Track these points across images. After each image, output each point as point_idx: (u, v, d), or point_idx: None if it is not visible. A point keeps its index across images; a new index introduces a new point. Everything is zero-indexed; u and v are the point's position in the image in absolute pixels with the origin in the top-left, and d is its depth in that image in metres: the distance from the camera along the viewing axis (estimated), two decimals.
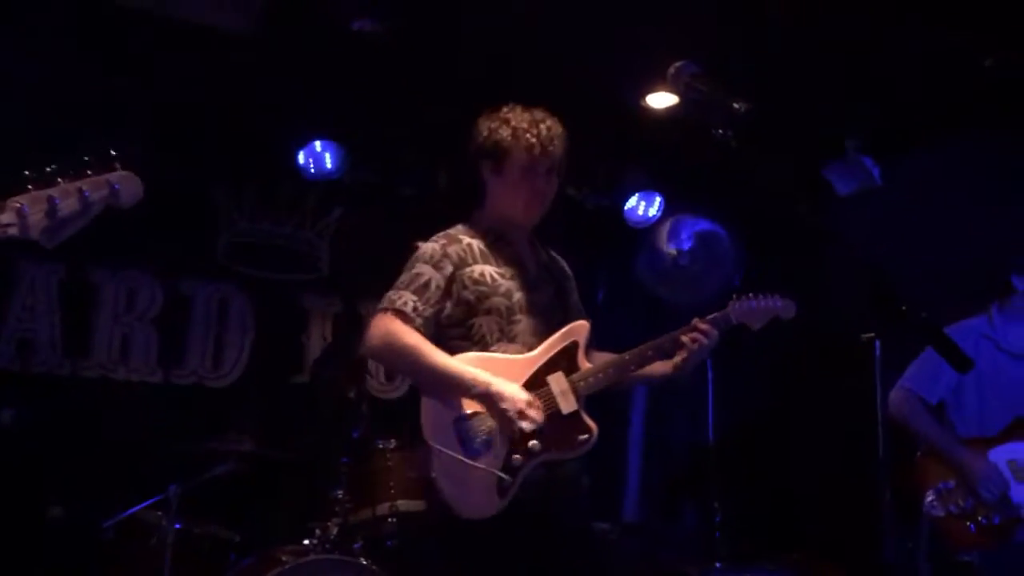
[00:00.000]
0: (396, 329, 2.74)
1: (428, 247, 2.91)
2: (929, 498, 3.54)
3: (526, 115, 2.93)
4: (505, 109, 2.97)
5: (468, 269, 2.83)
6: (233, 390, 5.81)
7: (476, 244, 2.91)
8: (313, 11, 4.53)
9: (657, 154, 6.00)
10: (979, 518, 3.43)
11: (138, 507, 4.23)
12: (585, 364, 2.81)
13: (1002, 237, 4.55)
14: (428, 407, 2.76)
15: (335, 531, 4.33)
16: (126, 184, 2.04)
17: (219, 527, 4.31)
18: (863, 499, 1.79)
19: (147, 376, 5.66)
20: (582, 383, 2.76)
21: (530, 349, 2.81)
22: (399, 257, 6.63)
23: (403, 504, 4.39)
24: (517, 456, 2.66)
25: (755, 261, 5.79)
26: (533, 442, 2.67)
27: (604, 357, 2.92)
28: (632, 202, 6.25)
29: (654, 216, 6.25)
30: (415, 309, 2.76)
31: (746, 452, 5.82)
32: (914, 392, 3.65)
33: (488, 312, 2.80)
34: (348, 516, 4.38)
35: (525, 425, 2.63)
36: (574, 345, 2.81)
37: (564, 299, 3.01)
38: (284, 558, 4.04)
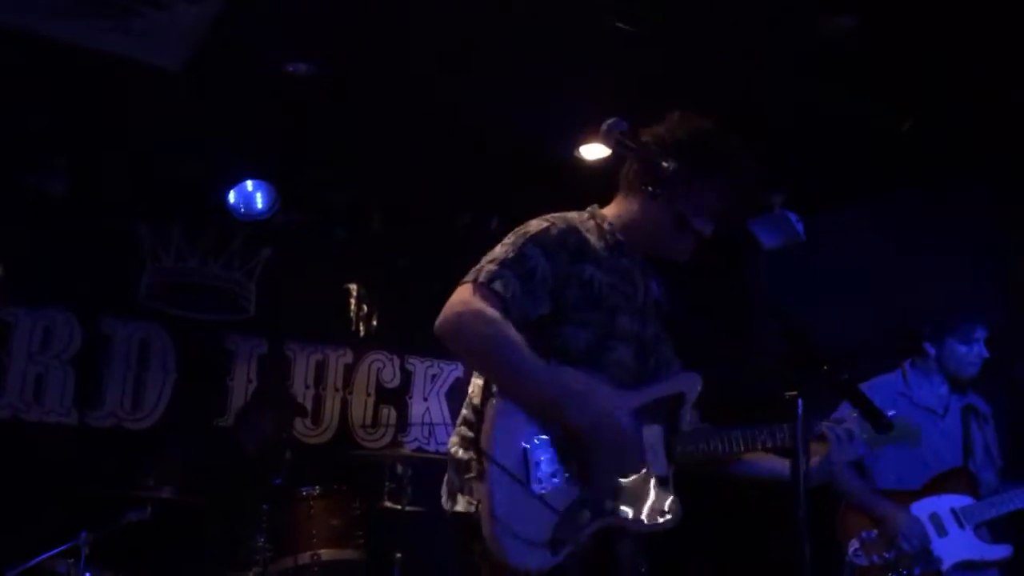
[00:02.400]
0: (482, 311, 2.17)
1: (538, 225, 2.33)
2: (853, 547, 3.60)
3: (753, 163, 2.42)
4: (733, 133, 2.42)
5: (581, 267, 2.29)
6: (153, 433, 5.66)
7: (593, 241, 2.37)
8: (246, 51, 4.50)
9: (589, 203, 6.07)
10: (901, 570, 3.49)
11: (45, 555, 4.06)
12: (686, 427, 2.32)
13: (917, 293, 4.72)
14: (499, 418, 2.14)
15: None
16: None
17: None
18: (784, 555, 1.81)
19: (62, 417, 5.48)
20: (680, 448, 2.26)
21: (619, 384, 2.27)
22: (328, 299, 6.65)
23: (326, 553, 4.31)
24: (586, 511, 2.11)
25: (684, 315, 5.89)
26: (608, 499, 2.14)
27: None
28: None
29: None
30: (514, 296, 2.19)
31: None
32: None
33: (583, 324, 2.27)
34: (268, 565, 4.28)
35: (620, 471, 2.14)
36: (680, 399, 2.31)
37: (666, 341, 2.50)
38: None
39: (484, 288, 2.21)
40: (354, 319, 6.47)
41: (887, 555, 3.53)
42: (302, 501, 4.39)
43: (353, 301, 6.49)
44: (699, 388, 2.34)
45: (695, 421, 2.41)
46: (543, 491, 2.09)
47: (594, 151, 5.36)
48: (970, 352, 3.71)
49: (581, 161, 5.47)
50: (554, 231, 2.32)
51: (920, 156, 4.91)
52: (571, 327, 2.26)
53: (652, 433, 2.24)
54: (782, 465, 2.34)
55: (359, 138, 5.31)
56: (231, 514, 4.57)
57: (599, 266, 2.32)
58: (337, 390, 6.32)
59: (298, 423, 5.98)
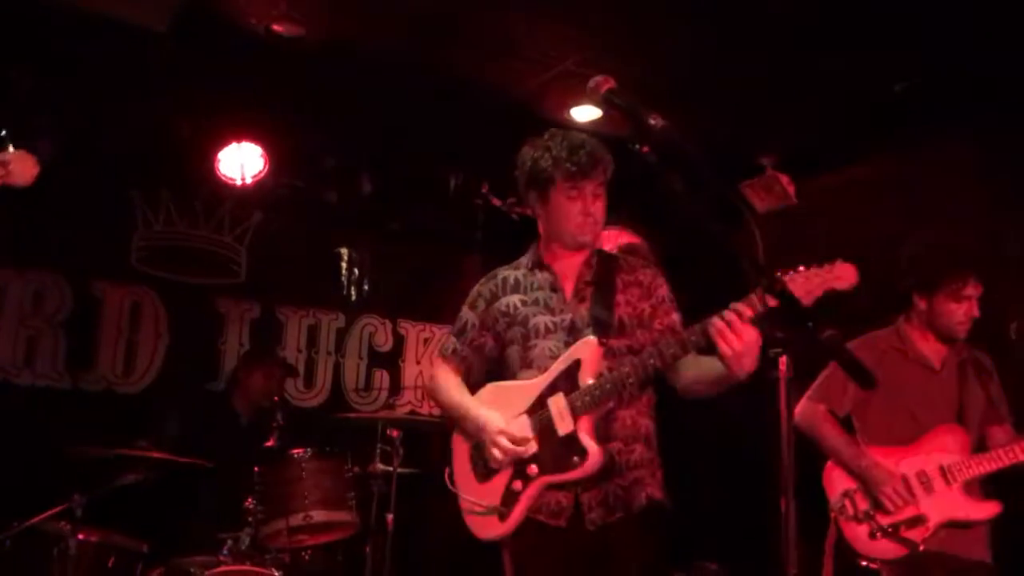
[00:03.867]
0: (436, 372, 3.06)
1: (472, 290, 3.08)
2: (836, 501, 3.57)
3: (566, 141, 2.87)
4: (546, 136, 2.94)
5: (498, 303, 2.95)
6: (145, 396, 5.66)
7: (514, 275, 3.00)
8: (233, 12, 4.45)
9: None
10: (885, 526, 3.46)
11: (38, 517, 4.07)
12: (587, 382, 2.70)
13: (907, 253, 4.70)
14: (455, 438, 2.96)
15: (247, 541, 4.25)
16: (18, 163, 1.94)
17: (125, 537, 4.17)
18: (768, 511, 1.82)
19: (53, 381, 5.48)
20: (578, 402, 2.68)
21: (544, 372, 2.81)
22: (320, 263, 6.65)
23: (318, 515, 4.32)
24: (517, 482, 2.74)
25: (675, 275, 5.89)
26: (532, 467, 2.72)
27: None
28: None
29: None
30: (454, 351, 3.02)
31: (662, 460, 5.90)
32: (822, 404, 3.67)
33: (512, 342, 2.91)
34: (260, 526, 4.29)
35: (496, 453, 2.73)
36: (576, 364, 2.72)
37: (600, 313, 2.84)
38: (193, 569, 3.95)
39: (440, 357, 3.08)
40: (346, 283, 6.46)
41: (870, 511, 3.49)
42: (294, 463, 4.39)
43: (344, 265, 6.48)
44: (592, 346, 2.72)
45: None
46: (485, 479, 2.80)
47: (585, 113, 5.34)
48: (959, 311, 3.55)
49: (572, 123, 5.44)
50: (474, 291, 3.05)
51: (909, 117, 4.90)
52: (508, 347, 2.92)
53: (557, 401, 2.71)
54: (710, 362, 2.62)
55: (348, 100, 5.27)
56: (223, 476, 4.59)
57: (516, 291, 2.94)
58: (329, 354, 6.33)
59: (290, 386, 6.00)
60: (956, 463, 3.50)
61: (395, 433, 4.80)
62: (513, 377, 2.90)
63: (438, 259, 6.65)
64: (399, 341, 6.60)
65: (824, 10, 4.20)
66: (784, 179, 5.75)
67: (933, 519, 3.46)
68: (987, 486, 3.54)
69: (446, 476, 2.92)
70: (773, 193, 5.80)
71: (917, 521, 3.45)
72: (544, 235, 2.98)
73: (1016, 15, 4.06)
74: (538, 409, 2.75)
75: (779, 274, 2.41)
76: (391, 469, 4.78)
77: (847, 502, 3.55)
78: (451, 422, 2.99)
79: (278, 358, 5.74)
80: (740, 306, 2.43)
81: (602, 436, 2.72)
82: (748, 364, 2.48)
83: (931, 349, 3.69)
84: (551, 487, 2.72)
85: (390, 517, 4.75)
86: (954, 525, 3.49)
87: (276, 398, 5.00)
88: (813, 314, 1.79)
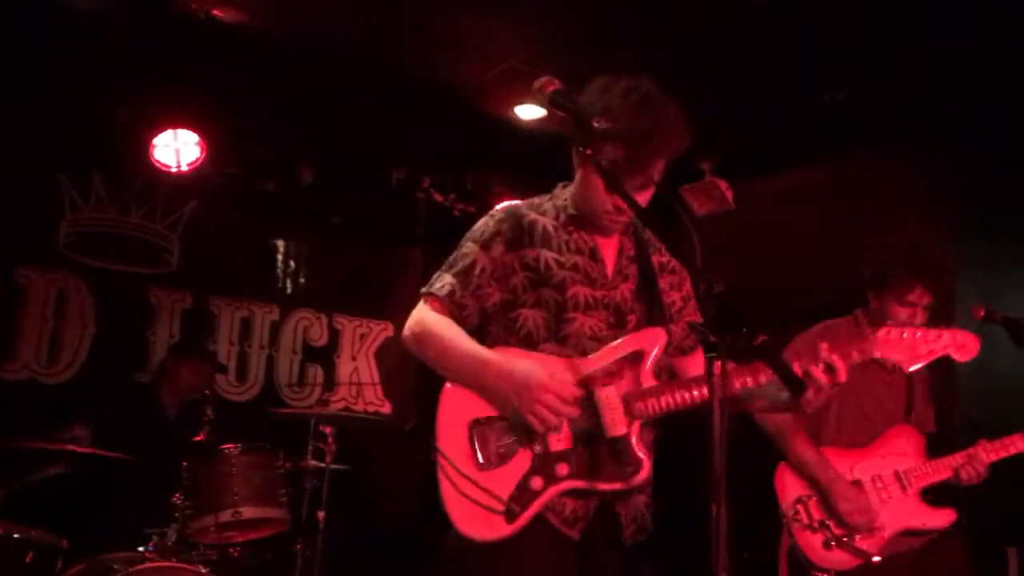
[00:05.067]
0: (426, 317, 2.41)
1: (482, 222, 2.49)
2: (789, 508, 3.50)
3: (667, 105, 2.35)
4: (642, 86, 2.37)
5: (523, 252, 2.40)
6: (69, 387, 5.50)
7: (544, 222, 2.45)
8: None
9: (524, 164, 6.06)
10: (840, 536, 3.38)
11: None
12: (651, 381, 2.30)
13: (847, 257, 4.79)
14: (445, 402, 2.34)
15: (173, 537, 4.16)
16: None
17: (44, 532, 4.05)
18: (702, 515, 1.83)
19: None
20: (640, 403, 2.25)
21: (584, 354, 2.33)
22: (255, 254, 6.53)
23: (247, 510, 4.25)
24: (537, 479, 2.23)
25: None
26: (562, 465, 2.23)
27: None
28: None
29: None
30: (452, 295, 2.40)
31: None
32: None
33: (536, 305, 2.38)
34: (188, 522, 4.21)
35: (542, 416, 2.19)
36: (639, 355, 2.31)
37: (649, 301, 2.45)
38: (116, 566, 3.84)
39: (430, 297, 2.43)
40: (281, 275, 6.37)
41: (825, 519, 3.41)
42: (223, 458, 4.31)
43: (280, 257, 6.38)
44: (662, 341, 2.33)
45: (664, 375, 2.43)
46: (491, 466, 2.24)
47: (529, 111, 5.34)
48: (902, 314, 3.48)
49: (517, 120, 5.44)
50: (491, 224, 2.46)
51: (847, 124, 5.00)
52: (525, 309, 2.38)
53: (607, 394, 2.25)
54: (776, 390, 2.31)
55: (290, 89, 5.19)
56: (148, 470, 4.48)
57: (548, 245, 2.41)
58: (263, 347, 6.23)
59: (222, 380, 5.88)
60: (912, 468, 3.46)
61: (328, 429, 4.75)
62: (529, 347, 2.37)
63: (377, 253, 6.60)
64: (334, 336, 6.52)
65: (764, 19, 4.26)
66: (722, 184, 5.83)
67: (889, 528, 3.40)
68: (939, 492, 3.51)
69: (441, 454, 2.27)
70: (711, 198, 5.87)
71: (873, 531, 3.39)
72: (577, 188, 2.48)
73: (948, 28, 4.16)
74: (581, 399, 2.26)
75: (884, 331, 2.30)
76: (324, 466, 4.73)
77: (800, 508, 3.47)
78: (456, 377, 2.34)
79: (208, 353, 5.62)
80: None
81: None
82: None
83: None
84: (574, 492, 2.27)
85: (322, 514, 4.71)
86: (910, 535, 3.45)
87: (206, 392, 4.92)
88: (747, 319, 1.80)
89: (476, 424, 2.28)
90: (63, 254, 5.59)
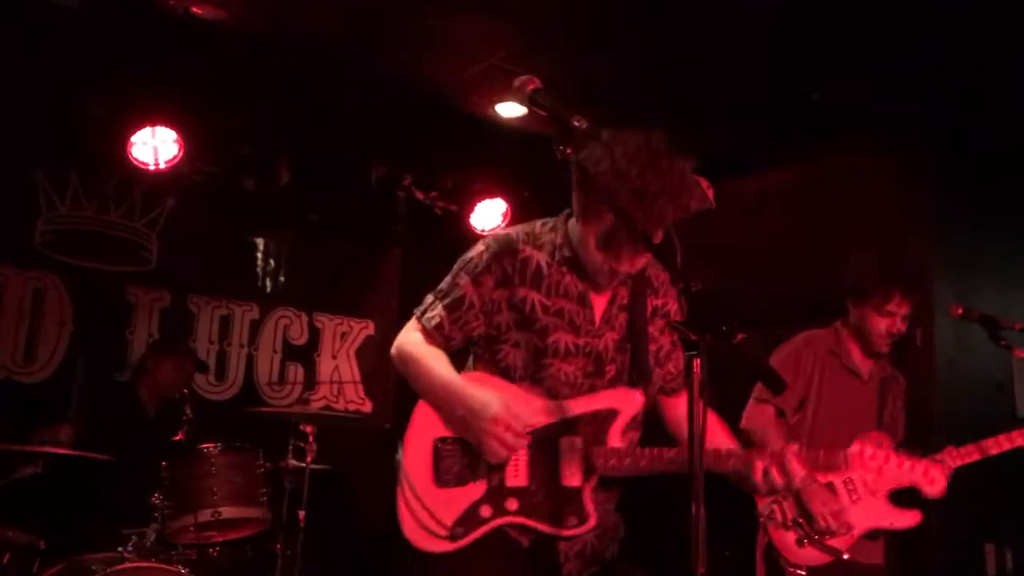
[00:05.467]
0: (412, 340, 2.50)
1: (477, 251, 2.48)
2: (765, 508, 3.61)
3: (667, 165, 2.28)
4: (639, 156, 2.27)
5: (512, 293, 2.41)
6: (47, 386, 5.46)
7: (537, 259, 2.43)
8: None
9: (505, 163, 6.06)
10: (813, 534, 3.48)
11: None
12: (616, 441, 2.33)
13: (828, 257, 4.82)
14: (417, 415, 2.45)
15: (152, 537, 4.14)
16: None
17: (21, 533, 4.01)
18: (682, 516, 1.85)
19: None
20: (600, 460, 2.30)
21: (556, 398, 2.39)
22: (235, 253, 6.48)
23: (227, 510, 4.23)
24: (487, 507, 2.31)
25: None
26: (512, 501, 2.30)
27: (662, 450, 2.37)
28: (479, 209, 6.28)
29: (498, 224, 6.30)
30: (440, 328, 2.46)
31: None
32: (769, 407, 3.72)
33: (517, 345, 2.42)
34: (167, 522, 4.18)
35: (494, 447, 2.26)
36: (611, 414, 2.34)
37: (634, 351, 2.46)
38: (94, 567, 3.82)
39: (419, 322, 2.50)
40: (261, 274, 6.34)
41: (798, 518, 3.52)
42: (203, 458, 4.29)
43: (260, 255, 6.35)
44: (638, 405, 2.38)
45: (633, 436, 2.45)
46: (447, 484, 2.34)
47: (510, 109, 5.33)
48: (882, 324, 3.65)
49: (498, 119, 5.44)
50: (485, 257, 2.45)
51: (824, 124, 5.02)
52: (508, 346, 2.43)
53: (571, 444, 2.31)
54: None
55: (269, 87, 5.16)
56: (127, 470, 4.45)
57: (537, 286, 2.41)
58: (242, 346, 6.20)
59: (201, 379, 5.85)
60: None
61: (309, 429, 4.73)
62: (507, 379, 2.44)
63: (357, 252, 6.58)
64: (315, 334, 6.50)
65: (745, 16, 4.27)
66: (703, 182, 5.83)
67: (858, 527, 3.54)
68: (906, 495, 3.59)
69: (402, 473, 2.38)
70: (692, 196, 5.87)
71: (843, 530, 3.48)
72: (579, 238, 2.40)
73: (924, 29, 4.20)
74: (546, 441, 2.33)
75: (858, 449, 2.25)
76: (304, 465, 4.72)
77: (776, 508, 3.58)
78: (429, 399, 2.45)
79: (189, 350, 5.59)
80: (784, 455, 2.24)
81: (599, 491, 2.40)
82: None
83: (860, 360, 3.80)
84: (526, 530, 2.33)
85: (302, 514, 4.69)
86: (876, 533, 3.60)
87: (185, 391, 4.89)
88: (726, 318, 1.81)
89: (441, 442, 2.38)
90: (40, 252, 5.54)
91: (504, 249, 2.44)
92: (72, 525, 4.39)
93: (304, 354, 6.45)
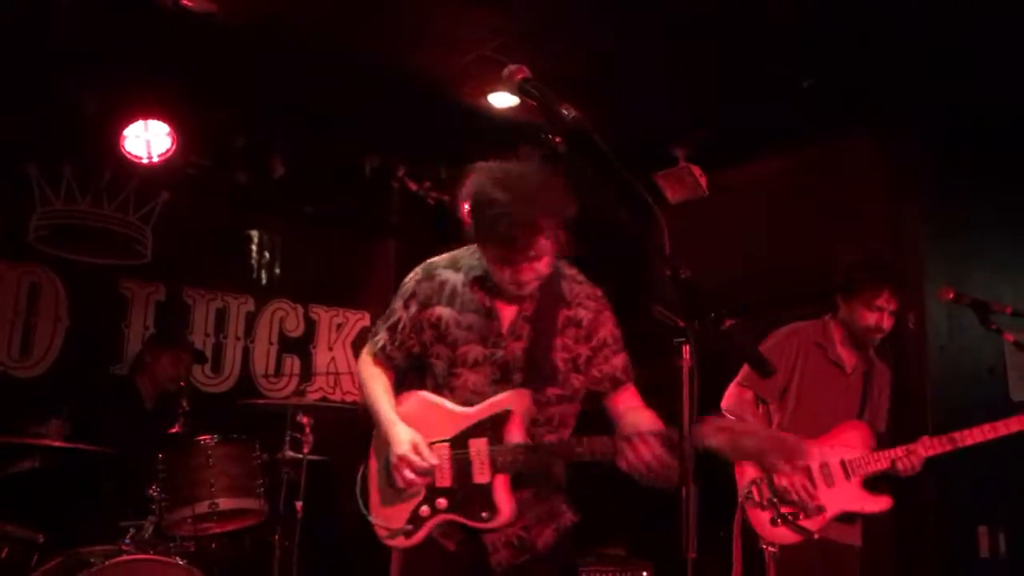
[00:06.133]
0: (363, 362, 2.90)
1: (409, 278, 2.85)
2: (744, 488, 3.71)
3: (495, 205, 2.48)
4: (494, 176, 2.56)
5: (429, 311, 2.73)
6: (43, 380, 5.46)
7: (454, 280, 2.74)
8: None
9: (498, 153, 6.06)
10: (786, 514, 3.62)
11: None
12: (516, 437, 2.59)
13: (819, 244, 4.84)
14: (374, 439, 2.82)
15: (150, 530, 4.16)
16: None
17: (19, 527, 4.03)
18: (671, 497, 1.87)
19: None
20: (499, 459, 2.58)
21: (467, 405, 2.66)
22: (229, 245, 6.49)
23: (224, 502, 4.25)
24: (425, 508, 2.65)
25: (590, 264, 5.94)
26: (442, 500, 2.63)
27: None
28: None
29: None
30: (383, 349, 2.83)
31: None
32: (749, 391, 3.80)
33: (437, 358, 2.73)
34: (164, 514, 4.20)
35: (397, 478, 2.61)
36: (506, 415, 2.60)
37: (534, 361, 2.66)
38: (92, 559, 3.84)
39: (370, 355, 2.89)
40: (256, 266, 6.34)
41: (772, 497, 3.65)
42: (200, 450, 4.31)
43: (255, 248, 6.35)
44: (526, 405, 2.61)
45: (544, 432, 2.68)
46: (401, 492, 2.67)
47: (503, 99, 5.34)
48: (870, 318, 3.69)
49: (490, 109, 5.44)
50: (411, 284, 2.82)
51: (815, 110, 5.03)
52: (432, 359, 2.75)
53: (478, 447, 2.60)
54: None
55: (260, 79, 5.16)
56: (125, 463, 4.46)
57: (451, 304, 2.72)
58: (238, 338, 6.21)
59: (197, 371, 5.86)
60: (857, 459, 3.68)
61: (305, 420, 4.75)
62: (435, 390, 2.75)
63: (352, 243, 6.58)
64: (311, 326, 6.51)
65: (739, 5, 4.28)
66: (696, 170, 5.85)
67: (830, 510, 3.63)
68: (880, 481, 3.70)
69: (359, 486, 2.79)
70: (685, 184, 5.90)
71: (815, 510, 3.62)
72: (481, 251, 2.70)
73: (916, 16, 4.20)
74: (459, 445, 2.63)
75: (704, 426, 2.31)
76: (301, 456, 4.74)
77: (754, 489, 3.69)
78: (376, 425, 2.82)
79: (188, 343, 5.60)
80: (654, 442, 2.39)
81: (518, 485, 2.63)
82: (664, 483, 2.42)
83: (846, 353, 3.85)
84: (456, 526, 2.65)
85: (299, 504, 4.71)
86: (847, 516, 3.68)
87: (182, 383, 4.90)
88: (715, 304, 1.83)
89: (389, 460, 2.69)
90: (34, 247, 5.54)
91: (425, 275, 2.79)
92: (70, 518, 4.40)
93: (300, 346, 6.46)
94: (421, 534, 2.64)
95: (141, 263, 5.87)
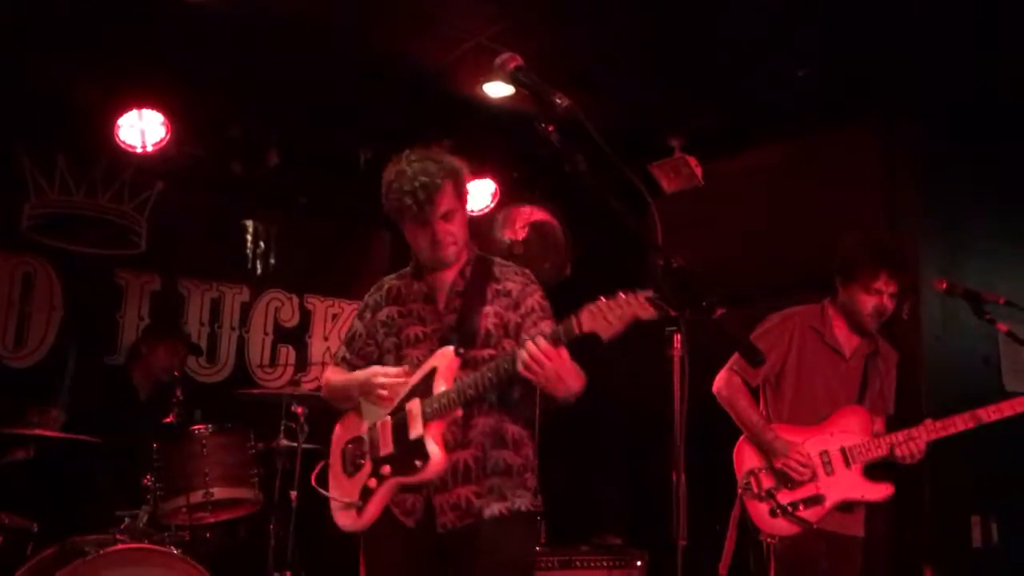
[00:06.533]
0: (327, 375, 3.16)
1: (364, 298, 3.18)
2: (742, 479, 3.67)
3: (404, 176, 2.89)
4: (401, 161, 2.97)
5: (379, 314, 3.06)
6: (37, 370, 5.46)
7: (397, 286, 3.07)
8: None
9: (493, 143, 6.06)
10: (785, 505, 3.57)
11: None
12: (442, 387, 2.79)
13: (815, 234, 4.84)
14: (336, 428, 3.08)
15: (145, 519, 4.17)
16: None
17: (13, 516, 4.03)
18: (664, 486, 1.87)
19: None
20: (428, 408, 2.77)
21: None
22: (224, 236, 6.48)
23: (218, 491, 4.26)
24: (372, 479, 2.85)
25: (586, 252, 5.95)
26: (385, 466, 2.83)
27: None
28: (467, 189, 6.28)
29: (488, 204, 6.30)
30: (345, 359, 3.13)
31: (565, 440, 5.98)
32: (738, 376, 3.76)
33: (388, 351, 3.00)
34: (159, 504, 4.21)
35: (380, 392, 2.83)
36: (432, 372, 2.81)
37: (467, 324, 2.92)
38: (87, 548, 3.84)
39: (332, 365, 3.19)
40: (251, 256, 6.33)
41: (771, 487, 3.61)
42: (195, 439, 4.32)
43: (249, 238, 6.34)
44: (449, 359, 2.81)
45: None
46: (351, 473, 2.93)
47: (498, 89, 5.32)
48: (869, 302, 3.66)
49: (485, 98, 5.42)
50: (365, 298, 3.16)
51: (809, 100, 5.03)
52: (386, 356, 3.00)
53: (412, 405, 2.81)
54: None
55: (255, 69, 5.14)
56: (120, 452, 4.47)
57: (396, 302, 3.04)
58: (233, 328, 6.21)
59: (192, 362, 5.86)
60: (857, 445, 3.62)
61: (300, 409, 4.75)
62: None
63: (346, 234, 6.57)
64: (306, 316, 6.51)
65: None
66: (692, 161, 5.85)
67: (830, 499, 3.58)
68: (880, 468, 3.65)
69: (316, 473, 3.05)
70: (681, 174, 5.89)
71: (815, 500, 3.58)
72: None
73: (912, 7, 4.20)
74: (397, 412, 2.84)
75: (579, 312, 2.50)
76: (295, 445, 4.74)
77: (752, 480, 3.66)
78: (343, 405, 3.07)
79: (183, 334, 5.60)
80: (541, 340, 2.57)
81: (459, 442, 2.82)
82: (562, 390, 2.67)
83: (845, 337, 3.81)
84: (404, 488, 2.82)
85: (294, 494, 4.72)
86: (848, 505, 3.62)
87: (176, 373, 4.90)
88: (707, 293, 1.83)
89: (348, 443, 2.99)
90: (28, 237, 5.53)
91: (377, 287, 3.14)
92: (65, 508, 4.41)
93: (295, 336, 6.46)
94: (371, 509, 2.83)
95: (136, 253, 5.87)
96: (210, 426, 4.36)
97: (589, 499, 6.04)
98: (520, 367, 2.59)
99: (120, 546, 3.89)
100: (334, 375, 3.12)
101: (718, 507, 3.93)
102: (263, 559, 4.71)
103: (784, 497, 3.60)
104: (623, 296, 2.42)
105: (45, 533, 4.08)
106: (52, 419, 4.53)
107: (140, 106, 5.30)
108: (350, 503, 2.87)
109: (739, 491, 3.69)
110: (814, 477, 3.59)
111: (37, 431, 4.28)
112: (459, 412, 2.77)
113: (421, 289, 3.02)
